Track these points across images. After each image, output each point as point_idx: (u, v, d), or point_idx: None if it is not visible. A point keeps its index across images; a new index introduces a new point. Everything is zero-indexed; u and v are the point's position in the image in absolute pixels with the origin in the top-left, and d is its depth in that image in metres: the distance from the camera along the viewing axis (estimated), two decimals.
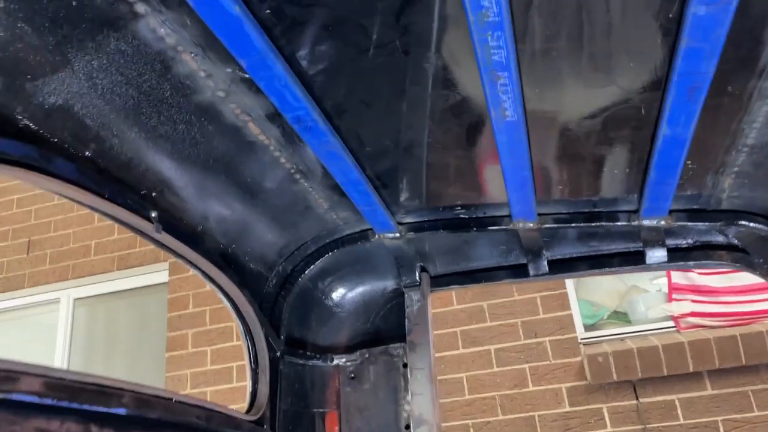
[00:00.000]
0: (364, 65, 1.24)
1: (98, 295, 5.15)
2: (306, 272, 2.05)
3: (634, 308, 4.26)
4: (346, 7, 1.07)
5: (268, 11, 1.07)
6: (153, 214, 1.33)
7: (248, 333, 1.76)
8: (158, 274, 4.97)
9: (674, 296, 4.05)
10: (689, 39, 1.04)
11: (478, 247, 2.06)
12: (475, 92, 1.32)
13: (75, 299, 5.15)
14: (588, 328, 4.27)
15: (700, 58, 1.08)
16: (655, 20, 1.07)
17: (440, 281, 2.16)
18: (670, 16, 1.04)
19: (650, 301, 4.18)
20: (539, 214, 1.83)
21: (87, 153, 1.20)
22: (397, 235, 1.95)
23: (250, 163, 1.52)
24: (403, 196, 1.83)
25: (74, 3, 0.97)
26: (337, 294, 2.17)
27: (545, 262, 2.01)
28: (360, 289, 2.19)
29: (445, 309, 4.15)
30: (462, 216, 1.92)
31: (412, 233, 1.96)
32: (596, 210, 1.79)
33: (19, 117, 1.06)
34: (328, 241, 2.02)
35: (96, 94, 1.14)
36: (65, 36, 1.02)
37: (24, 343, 5.34)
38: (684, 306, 3.94)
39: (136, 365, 5.11)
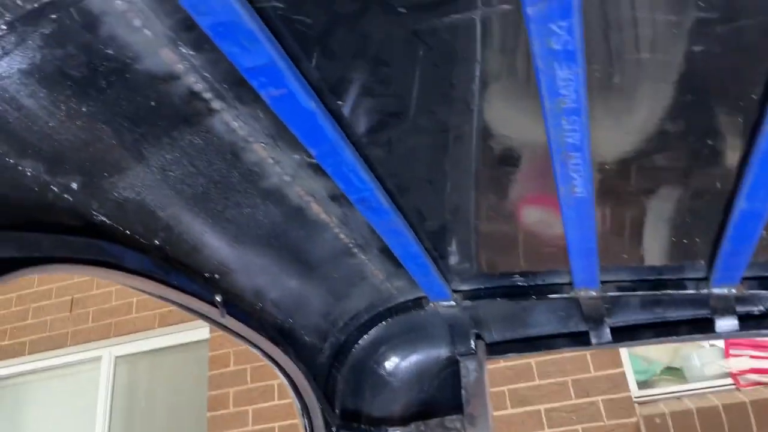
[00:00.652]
0: (431, 147, 1.23)
1: (139, 352, 5.16)
2: (359, 342, 2.02)
3: (689, 364, 4.09)
4: (418, 96, 1.07)
5: (340, 102, 1.07)
6: (218, 298, 1.32)
7: (305, 410, 1.73)
8: (199, 330, 4.97)
9: (731, 351, 3.88)
10: None
11: (535, 314, 2.00)
12: (539, 167, 1.30)
13: (116, 357, 5.17)
14: (641, 384, 4.10)
15: None
16: (738, 101, 1.04)
17: (497, 349, 2.09)
18: (754, 97, 1.01)
19: (706, 357, 4.01)
20: (602, 282, 1.77)
21: (156, 242, 1.21)
22: (453, 303, 1.92)
23: (310, 240, 1.52)
24: (460, 265, 1.80)
25: (153, 103, 0.99)
26: (391, 363, 2.12)
27: (608, 330, 1.94)
28: (413, 358, 2.14)
29: (491, 366, 4.04)
30: (520, 283, 1.87)
31: (468, 301, 1.92)
32: (662, 277, 1.73)
33: (95, 214, 1.07)
34: (381, 309, 2.00)
35: (167, 185, 1.15)
36: (142, 134, 1.03)
37: (66, 401, 5.36)
38: (743, 362, 3.77)
39: (177, 424, 5.06)
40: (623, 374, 3.93)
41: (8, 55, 0.82)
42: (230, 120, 1.07)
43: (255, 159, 1.19)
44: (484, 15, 0.89)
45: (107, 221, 1.09)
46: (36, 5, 0.76)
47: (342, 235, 1.54)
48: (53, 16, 0.80)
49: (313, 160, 1.20)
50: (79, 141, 0.98)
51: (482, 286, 1.90)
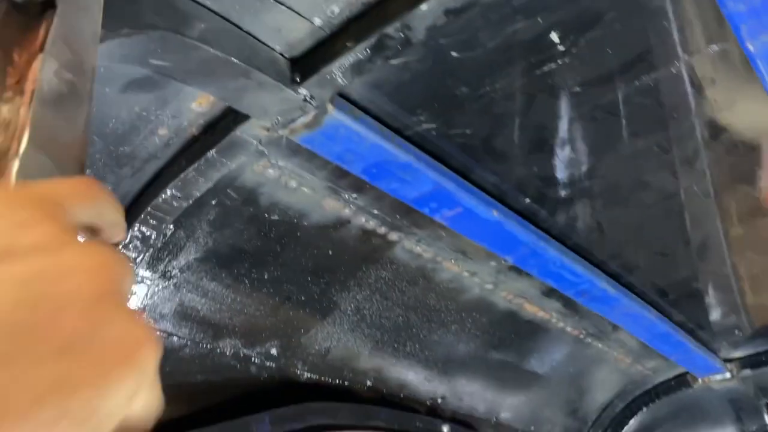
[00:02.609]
0: (652, 217, 1.02)
1: None
2: None
3: None
4: (625, 169, 0.88)
5: (528, 200, 0.91)
6: (445, 429, 1.20)
7: None
8: None
9: None
10: None
11: None
12: None
13: None
14: None
15: None
16: None
17: None
18: None
19: None
20: None
21: (368, 383, 1.13)
22: (728, 375, 1.57)
23: (532, 341, 1.35)
24: (725, 330, 1.48)
25: (330, 252, 0.93)
26: None
27: None
28: None
29: None
30: None
31: (748, 370, 1.57)
32: None
33: (299, 373, 1.02)
34: (638, 394, 1.71)
35: (365, 324, 1.08)
36: (327, 283, 0.97)
37: None
38: None
39: None
40: None
41: (183, 250, 0.82)
42: (412, 246, 0.97)
43: (448, 276, 1.07)
44: (687, 66, 0.69)
45: (314, 377, 1.04)
46: (191, 201, 0.74)
47: (568, 328, 1.34)
48: (213, 202, 0.79)
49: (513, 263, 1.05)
50: (269, 307, 0.95)
51: (761, 349, 1.55)
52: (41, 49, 0.38)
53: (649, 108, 0.80)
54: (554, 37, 0.66)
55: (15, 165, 0.34)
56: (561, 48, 0.68)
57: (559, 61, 0.69)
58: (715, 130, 0.84)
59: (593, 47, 0.69)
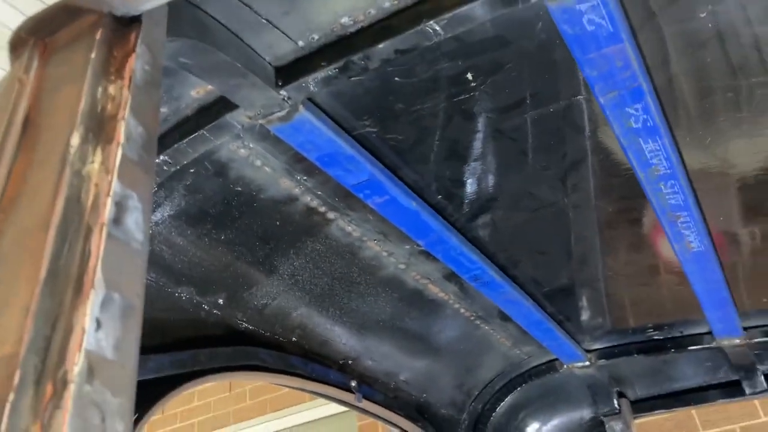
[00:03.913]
0: (536, 221, 1.28)
1: (294, 426, 5.41)
2: (497, 410, 2.02)
3: None
4: (518, 180, 1.13)
5: (440, 197, 1.16)
6: (353, 384, 1.42)
7: None
8: None
9: None
10: None
11: (680, 366, 1.91)
12: (652, 223, 1.30)
13: None
14: None
15: None
16: None
17: (642, 406, 2.01)
18: None
19: None
20: (745, 328, 1.67)
21: (293, 338, 1.34)
22: (587, 363, 1.88)
23: (433, 317, 1.59)
24: (588, 324, 1.78)
25: (278, 222, 1.13)
26: (532, 429, 2.10)
27: (761, 378, 1.80)
28: (555, 422, 2.10)
29: (647, 420, 3.77)
30: (656, 337, 1.81)
31: (604, 360, 1.88)
32: None
33: (240, 322, 1.22)
34: (514, 375, 2.00)
35: (297, 287, 1.28)
36: (272, 248, 1.18)
37: None
38: None
39: None
40: None
41: (160, 207, 1.00)
42: (345, 225, 1.19)
43: (371, 254, 1.30)
44: (566, 106, 0.95)
45: (250, 327, 1.23)
46: (179, 167, 0.93)
47: (462, 310, 1.59)
48: (192, 170, 0.97)
49: (424, 248, 1.29)
50: (221, 263, 1.14)
51: (616, 344, 1.86)
52: (133, 49, 0.58)
53: (541, 134, 1.05)
54: (469, 75, 0.90)
55: (122, 126, 0.53)
56: (473, 84, 0.92)
57: (472, 93, 0.94)
58: (599, 153, 1.10)
59: (497, 85, 0.94)
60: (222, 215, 1.08)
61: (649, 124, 0.90)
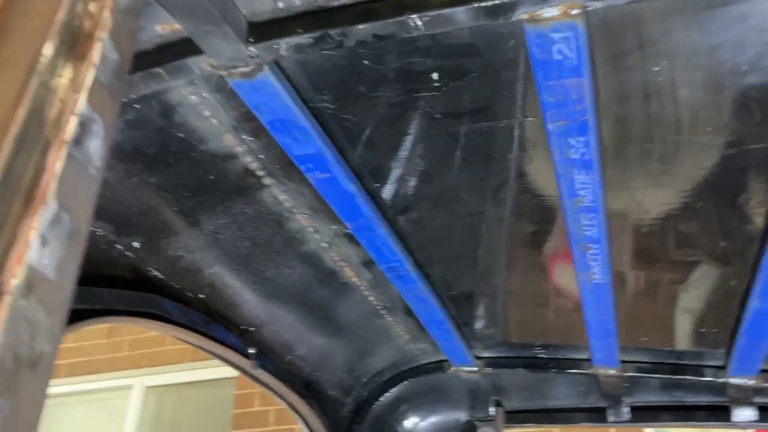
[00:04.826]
0: (458, 227, 1.33)
1: (170, 384, 5.28)
2: (381, 399, 2.08)
3: None
4: (451, 185, 1.17)
5: (377, 185, 1.18)
6: (251, 351, 1.42)
7: None
8: (229, 368, 5.05)
9: None
10: None
11: (555, 386, 2.04)
12: (559, 250, 1.38)
13: (147, 387, 5.30)
14: None
15: None
16: (747, 210, 1.11)
17: (515, 417, 2.13)
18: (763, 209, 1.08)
19: None
20: (622, 361, 1.81)
21: (201, 296, 1.32)
22: (474, 369, 1.97)
23: (341, 300, 1.61)
24: (483, 333, 1.87)
25: (212, 177, 1.11)
26: (410, 422, 2.17)
27: (626, 409, 1.96)
28: (432, 419, 2.18)
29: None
30: (541, 356, 1.92)
31: (490, 368, 1.98)
32: (682, 362, 1.76)
33: (150, 269, 1.19)
34: (404, 369, 2.06)
35: (217, 246, 1.27)
36: (200, 202, 1.16)
37: (96, 425, 5.49)
38: None
39: None
40: None
41: None
42: (278, 193, 1.19)
43: (297, 227, 1.30)
44: (514, 124, 1.00)
45: (160, 276, 1.21)
46: (125, 99, 0.89)
47: (371, 298, 1.63)
48: (137, 106, 0.94)
49: (349, 231, 1.31)
50: (145, 206, 1.11)
51: (504, 355, 1.96)
52: None
53: (481, 145, 1.10)
54: (435, 75, 0.93)
55: (99, 46, 0.51)
56: (437, 84, 0.95)
57: (432, 93, 0.96)
58: (523, 176, 1.16)
59: (457, 91, 0.97)
60: (157, 158, 1.05)
61: (586, 158, 0.96)
